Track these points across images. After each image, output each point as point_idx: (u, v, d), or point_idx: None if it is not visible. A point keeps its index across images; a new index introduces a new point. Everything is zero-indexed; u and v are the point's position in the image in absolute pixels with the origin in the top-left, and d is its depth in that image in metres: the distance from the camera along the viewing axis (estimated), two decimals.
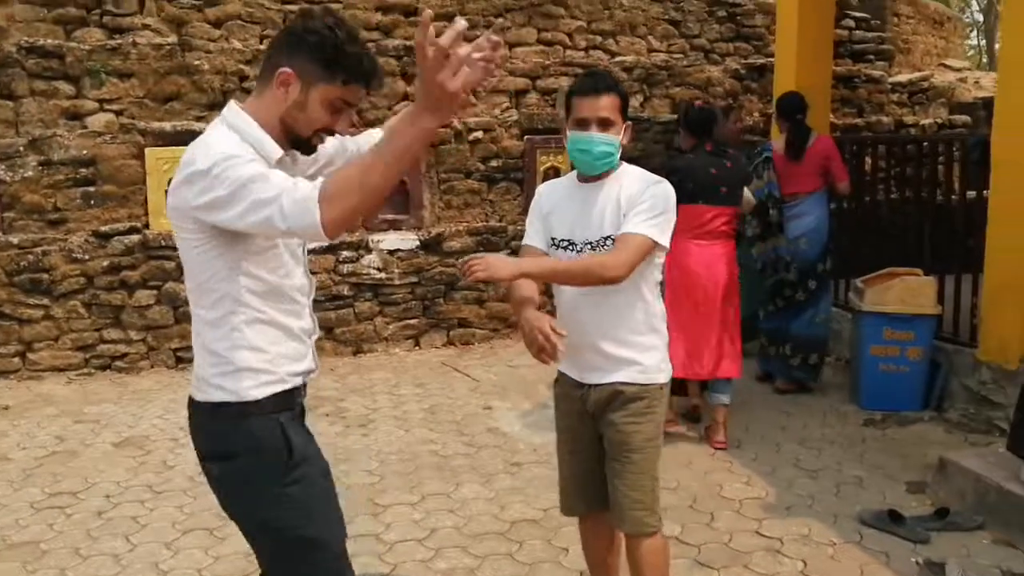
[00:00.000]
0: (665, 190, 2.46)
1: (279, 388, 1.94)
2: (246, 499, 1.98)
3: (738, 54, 8.22)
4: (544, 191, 2.68)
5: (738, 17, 8.22)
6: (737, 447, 4.52)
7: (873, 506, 3.72)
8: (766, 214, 5.29)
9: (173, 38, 6.64)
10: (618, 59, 7.63)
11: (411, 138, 1.66)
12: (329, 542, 1.99)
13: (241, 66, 6.64)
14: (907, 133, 8.24)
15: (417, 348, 6.67)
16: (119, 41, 6.48)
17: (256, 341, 1.91)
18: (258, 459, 1.93)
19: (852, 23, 8.78)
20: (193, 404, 2.00)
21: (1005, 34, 4.61)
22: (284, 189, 1.67)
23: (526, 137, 6.97)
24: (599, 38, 7.72)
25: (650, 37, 7.94)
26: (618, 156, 2.49)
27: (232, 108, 1.88)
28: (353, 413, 5.20)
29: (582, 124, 2.45)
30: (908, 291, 4.94)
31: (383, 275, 6.51)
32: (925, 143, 6.01)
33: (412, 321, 6.65)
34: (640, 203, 2.41)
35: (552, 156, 6.97)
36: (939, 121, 8.70)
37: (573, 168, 2.61)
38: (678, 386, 5.14)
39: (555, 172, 6.94)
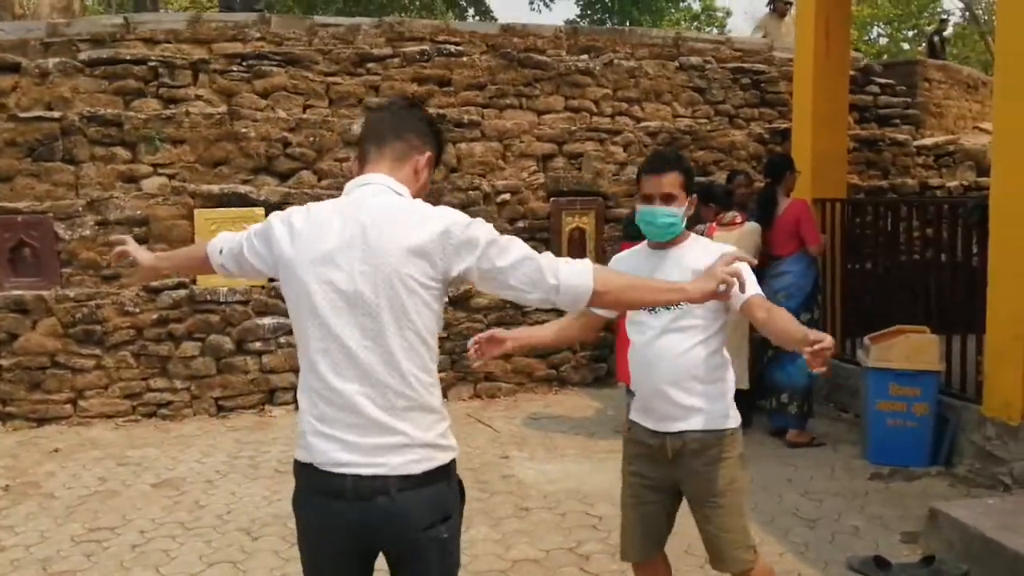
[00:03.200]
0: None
1: None
2: (457, 551, 2.00)
3: (762, 119, 8.48)
4: (620, 257, 2.94)
5: (762, 84, 8.50)
6: None
7: (865, 554, 3.85)
8: None
9: (223, 107, 7.13)
10: (643, 124, 7.95)
11: (664, 298, 2.25)
12: None
13: (285, 133, 7.09)
14: (933, 195, 8.39)
15: (445, 400, 6.90)
16: (173, 110, 7.00)
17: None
18: (461, 508, 2.02)
19: (877, 89, 9.00)
20: (415, 479, 1.89)
21: (998, 100, 4.80)
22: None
23: (552, 199, 7.29)
24: (625, 104, 8.05)
25: (675, 103, 8.24)
26: (682, 225, 2.75)
27: (397, 184, 2.02)
28: None
29: (648, 199, 2.72)
30: (913, 348, 5.09)
31: None
32: (931, 206, 6.18)
33: (440, 374, 6.91)
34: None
35: (577, 217, 7.27)
36: (965, 183, 8.83)
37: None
38: None
39: (580, 233, 7.24)
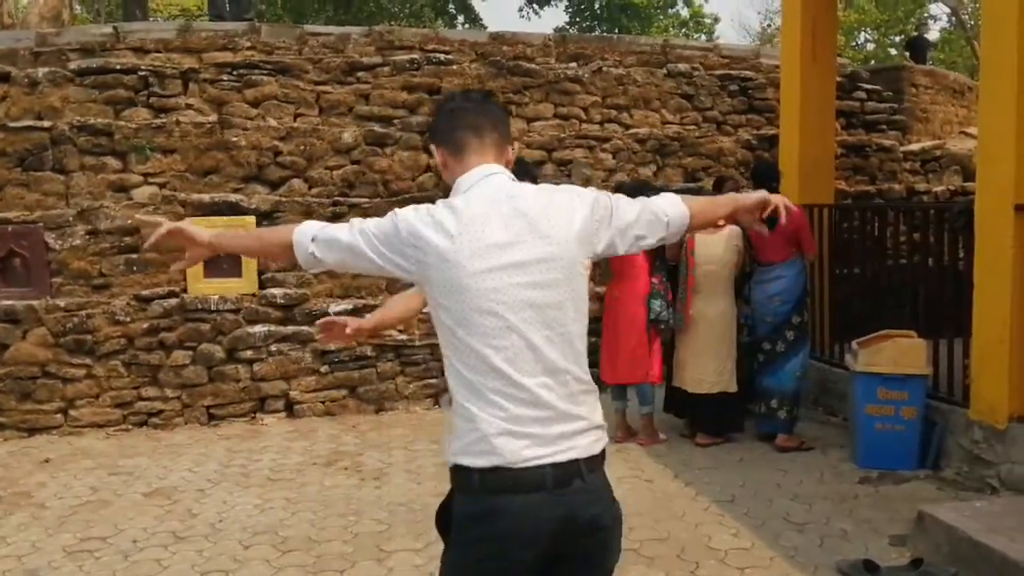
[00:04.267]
0: None
1: None
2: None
3: (750, 125, 8.52)
4: None
5: (750, 91, 8.55)
6: (731, 501, 4.70)
7: (854, 557, 3.88)
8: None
9: (213, 117, 7.13)
10: (632, 131, 8.00)
11: (724, 211, 2.25)
12: None
13: (276, 142, 7.10)
14: (920, 200, 8.47)
15: (436, 406, 6.95)
16: (164, 120, 7.00)
17: None
18: None
19: (864, 95, 9.06)
20: (597, 458, 1.93)
21: (984, 105, 4.85)
22: None
23: None
24: (614, 112, 8.09)
25: (663, 110, 8.28)
26: None
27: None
28: (369, 467, 5.47)
29: None
30: (900, 352, 5.13)
31: (404, 336, 6.84)
32: (917, 211, 6.24)
33: (432, 380, 6.95)
34: None
35: None
36: (952, 188, 8.91)
37: None
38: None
39: None
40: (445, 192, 6.24)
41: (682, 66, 8.37)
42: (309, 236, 1.98)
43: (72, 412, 6.39)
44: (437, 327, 1.95)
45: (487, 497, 1.84)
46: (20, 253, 6.49)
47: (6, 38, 7.58)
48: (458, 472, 1.90)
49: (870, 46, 29.81)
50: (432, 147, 2.08)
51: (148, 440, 6.21)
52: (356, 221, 2.00)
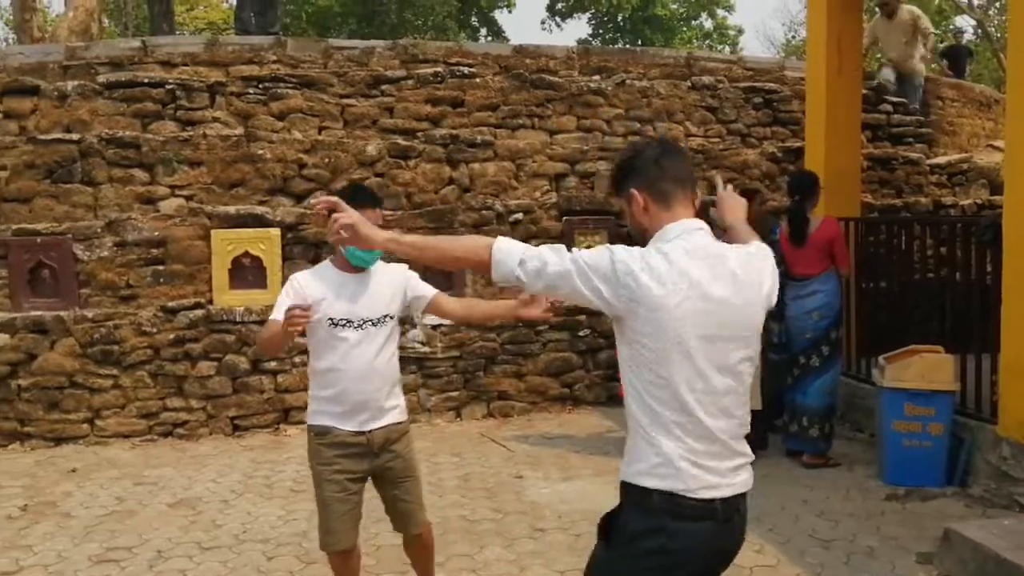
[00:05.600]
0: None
1: None
2: None
3: (775, 138, 8.50)
4: (308, 279, 3.22)
5: (774, 103, 8.53)
6: (756, 518, 4.64)
7: (879, 574, 3.84)
8: None
9: (240, 129, 7.21)
10: None
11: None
12: None
13: (300, 155, 7.16)
14: (947, 214, 8.38)
15: (458, 419, 6.95)
16: (191, 133, 7.08)
17: None
18: None
19: (890, 107, 9.00)
20: (745, 496, 2.15)
21: (1011, 118, 4.81)
22: None
23: (564, 218, 7.33)
24: (637, 124, 8.09)
25: (687, 123, 8.28)
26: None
27: None
28: None
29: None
30: (927, 368, 5.07)
31: (427, 349, 6.86)
32: (944, 225, 6.18)
33: (454, 393, 6.96)
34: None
35: (589, 236, 7.30)
36: (979, 202, 8.81)
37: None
38: None
39: None
40: (465, 205, 6.34)
41: (706, 78, 8.37)
42: (515, 259, 2.08)
43: (98, 422, 6.45)
44: (631, 359, 2.08)
45: (663, 518, 2.03)
46: (49, 264, 6.57)
47: (36, 52, 7.71)
48: (637, 491, 2.07)
49: None
50: (632, 190, 2.16)
51: (173, 450, 6.25)
52: (562, 249, 2.10)
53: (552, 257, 2.06)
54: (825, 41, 6.85)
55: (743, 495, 2.11)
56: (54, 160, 6.83)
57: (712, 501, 2.03)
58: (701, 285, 2.02)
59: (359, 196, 3.12)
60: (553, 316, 3.21)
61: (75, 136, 6.89)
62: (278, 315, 3.07)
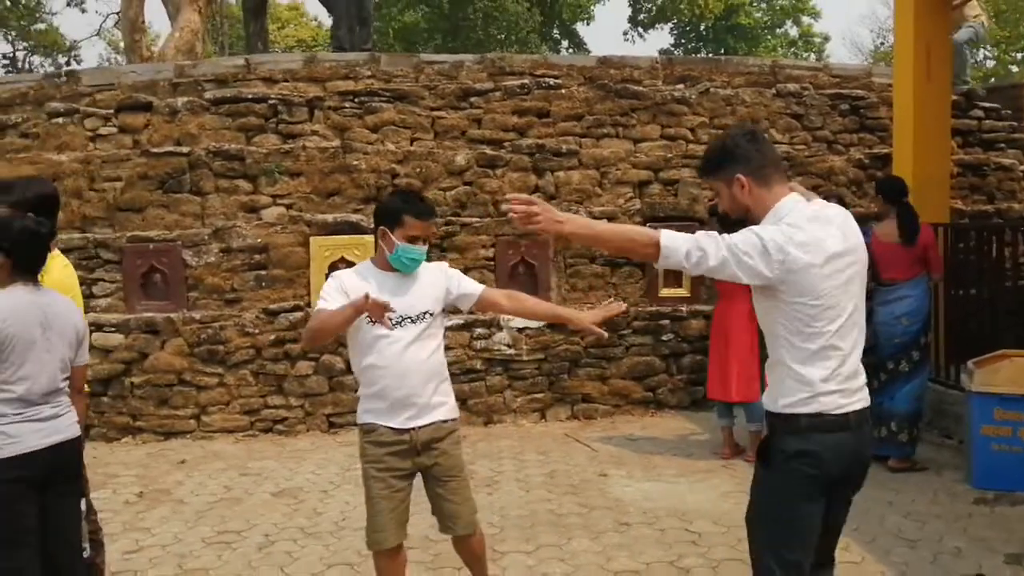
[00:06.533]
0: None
1: None
2: None
3: (862, 144, 8.45)
4: (352, 278, 3.31)
5: (861, 110, 8.48)
6: None
7: (967, 574, 3.85)
8: None
9: (336, 141, 7.56)
10: None
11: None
12: None
13: (393, 165, 7.47)
14: None
15: (543, 420, 7.13)
16: (291, 145, 7.47)
17: None
18: None
19: (981, 113, 8.86)
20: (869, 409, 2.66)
21: None
22: None
23: (648, 225, 7.45)
24: (722, 132, 8.13)
25: (772, 130, 8.29)
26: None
27: None
28: (480, 475, 5.67)
29: (413, 240, 3.25)
30: (1018, 372, 5.03)
31: (512, 351, 7.06)
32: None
33: (538, 395, 7.14)
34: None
35: None
36: None
37: None
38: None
39: None
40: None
41: (791, 86, 8.39)
42: (682, 251, 2.47)
43: (204, 418, 6.84)
44: (782, 315, 2.51)
45: (811, 435, 2.50)
46: (160, 269, 7.02)
47: (148, 70, 8.24)
48: (788, 418, 2.54)
49: (990, 63, 28.71)
50: (738, 175, 2.57)
51: (274, 445, 6.59)
52: (717, 238, 2.48)
53: (711, 249, 2.45)
54: (913, 47, 6.83)
55: (868, 408, 2.60)
56: (165, 172, 7.29)
57: (847, 415, 2.51)
58: (827, 244, 2.46)
59: (416, 206, 3.28)
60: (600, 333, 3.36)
61: (184, 149, 7.34)
62: (323, 305, 3.19)
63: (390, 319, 3.08)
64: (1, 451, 2.88)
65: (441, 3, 20.85)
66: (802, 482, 2.52)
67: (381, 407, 3.25)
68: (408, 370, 3.22)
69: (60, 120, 7.62)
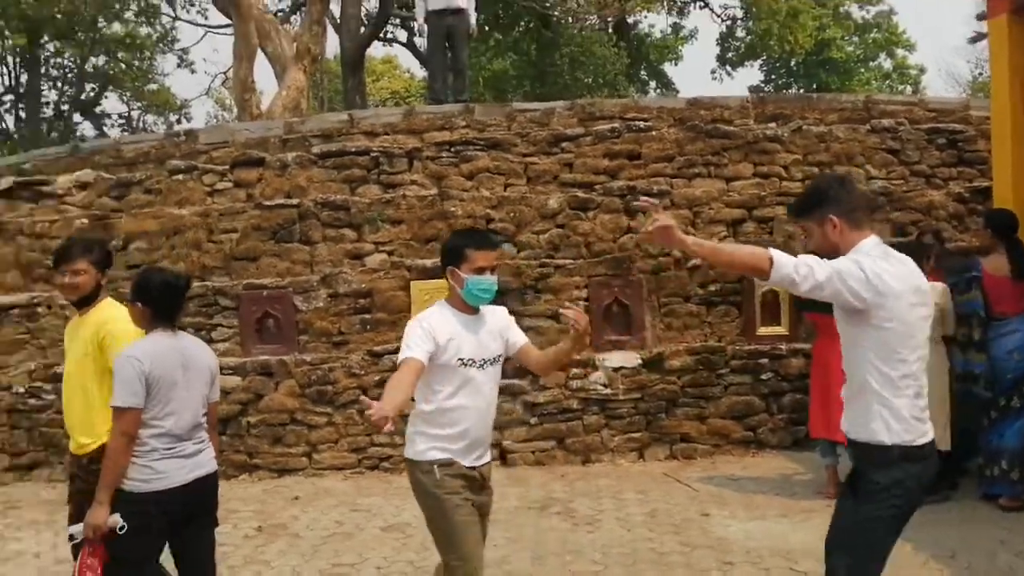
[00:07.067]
0: None
1: None
2: None
3: (961, 178, 8.30)
4: (435, 320, 3.32)
5: (959, 143, 8.35)
6: (951, 556, 4.63)
7: None
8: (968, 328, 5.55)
9: (434, 190, 7.88)
10: None
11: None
12: None
13: (488, 210, 7.73)
14: None
15: (641, 460, 7.18)
16: (392, 194, 7.83)
17: None
18: None
19: None
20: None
21: None
22: None
23: None
24: (815, 169, 8.13)
25: (868, 166, 8.24)
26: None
27: None
28: (581, 513, 5.78)
29: (480, 271, 3.30)
30: None
31: (608, 391, 7.16)
32: None
33: (636, 434, 7.20)
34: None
35: None
36: None
37: None
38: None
39: (773, 296, 7.34)
40: (643, 252, 6.60)
41: (886, 121, 8.34)
42: (790, 268, 2.70)
43: (315, 455, 7.15)
44: (872, 340, 2.75)
45: (903, 465, 2.73)
46: (273, 315, 7.41)
47: (259, 128, 8.76)
48: (879, 449, 2.75)
49: None
50: (831, 216, 2.85)
51: (380, 482, 6.84)
52: (824, 263, 2.74)
53: (817, 268, 2.71)
54: (1008, 79, 6.73)
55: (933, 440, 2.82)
56: (277, 223, 7.73)
57: (925, 445, 2.73)
58: (909, 278, 2.78)
59: (476, 238, 3.46)
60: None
61: (294, 201, 7.78)
62: (412, 354, 3.13)
63: (472, 362, 3.29)
64: (150, 484, 3.18)
65: (529, 50, 21.29)
66: (892, 512, 2.71)
67: (458, 447, 3.29)
68: (488, 411, 3.41)
69: (180, 176, 8.17)
